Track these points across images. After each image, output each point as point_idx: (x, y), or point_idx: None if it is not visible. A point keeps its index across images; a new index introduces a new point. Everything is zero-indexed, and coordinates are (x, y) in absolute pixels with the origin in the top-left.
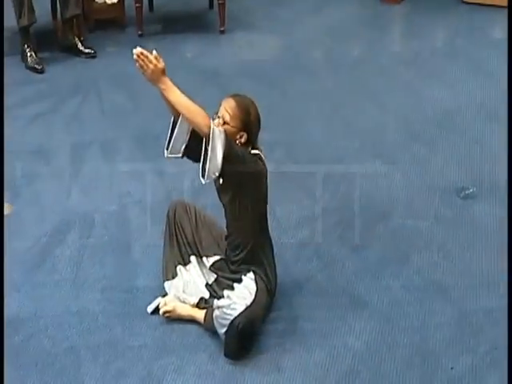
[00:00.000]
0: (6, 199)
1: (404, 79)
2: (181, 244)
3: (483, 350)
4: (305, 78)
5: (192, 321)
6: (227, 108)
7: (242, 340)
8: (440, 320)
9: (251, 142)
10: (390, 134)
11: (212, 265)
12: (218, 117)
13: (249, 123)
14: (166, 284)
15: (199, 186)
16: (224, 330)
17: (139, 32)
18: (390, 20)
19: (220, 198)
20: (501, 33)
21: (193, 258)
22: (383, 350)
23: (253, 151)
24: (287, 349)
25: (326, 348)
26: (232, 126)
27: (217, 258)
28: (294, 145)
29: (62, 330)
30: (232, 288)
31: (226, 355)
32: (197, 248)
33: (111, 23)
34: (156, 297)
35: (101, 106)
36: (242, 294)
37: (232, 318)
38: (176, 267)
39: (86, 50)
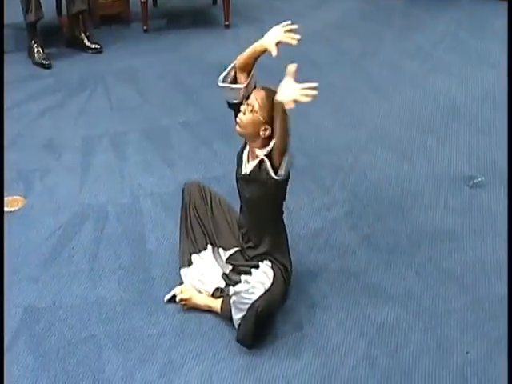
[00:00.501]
0: (18, 193)
1: (408, 72)
2: (195, 229)
3: (497, 336)
4: (309, 71)
5: (208, 310)
6: (257, 97)
7: (259, 324)
8: (453, 306)
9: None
10: (397, 125)
11: (228, 258)
12: (248, 104)
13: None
14: (182, 271)
15: (210, 178)
16: (241, 314)
17: (144, 27)
18: (391, 14)
19: (239, 188)
20: (502, 24)
21: (209, 247)
22: (398, 335)
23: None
24: (304, 336)
25: (342, 334)
26: (259, 116)
27: (233, 250)
28: (302, 137)
29: (82, 320)
30: (250, 273)
31: (240, 341)
32: (213, 236)
33: (116, 19)
34: (172, 286)
35: (108, 100)
36: (261, 279)
37: (251, 301)
38: (191, 255)
39: (93, 46)
